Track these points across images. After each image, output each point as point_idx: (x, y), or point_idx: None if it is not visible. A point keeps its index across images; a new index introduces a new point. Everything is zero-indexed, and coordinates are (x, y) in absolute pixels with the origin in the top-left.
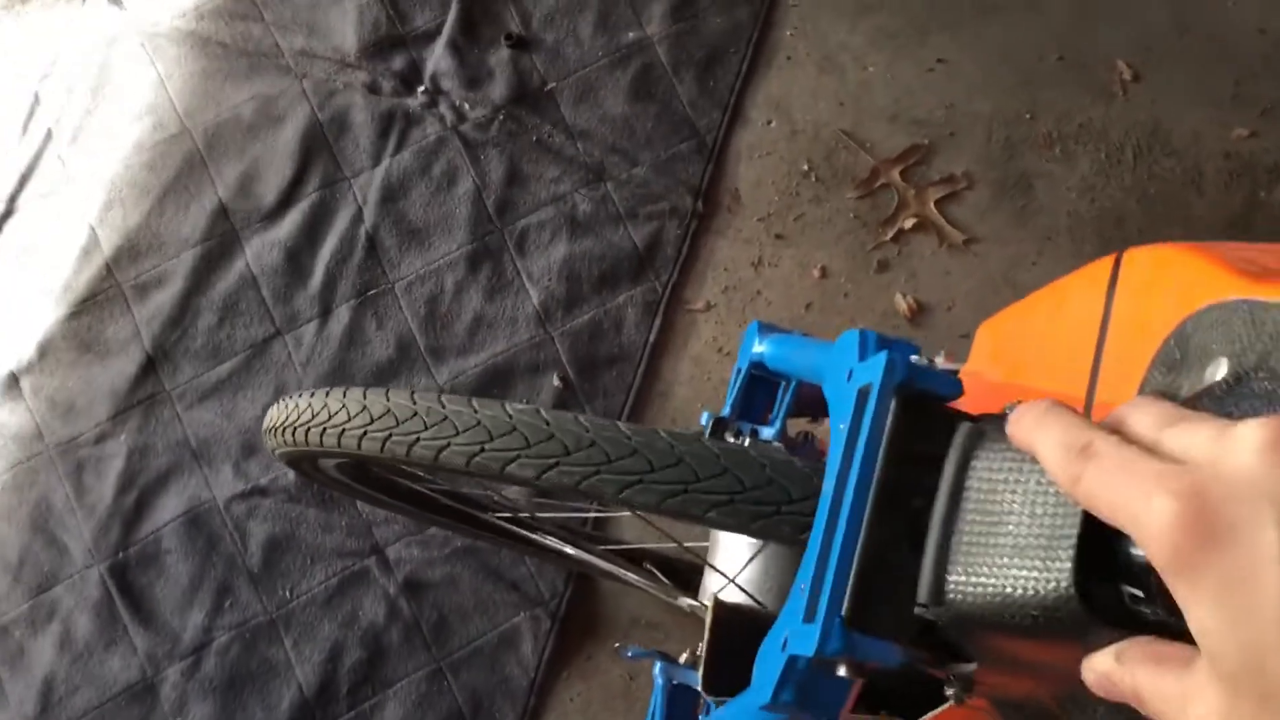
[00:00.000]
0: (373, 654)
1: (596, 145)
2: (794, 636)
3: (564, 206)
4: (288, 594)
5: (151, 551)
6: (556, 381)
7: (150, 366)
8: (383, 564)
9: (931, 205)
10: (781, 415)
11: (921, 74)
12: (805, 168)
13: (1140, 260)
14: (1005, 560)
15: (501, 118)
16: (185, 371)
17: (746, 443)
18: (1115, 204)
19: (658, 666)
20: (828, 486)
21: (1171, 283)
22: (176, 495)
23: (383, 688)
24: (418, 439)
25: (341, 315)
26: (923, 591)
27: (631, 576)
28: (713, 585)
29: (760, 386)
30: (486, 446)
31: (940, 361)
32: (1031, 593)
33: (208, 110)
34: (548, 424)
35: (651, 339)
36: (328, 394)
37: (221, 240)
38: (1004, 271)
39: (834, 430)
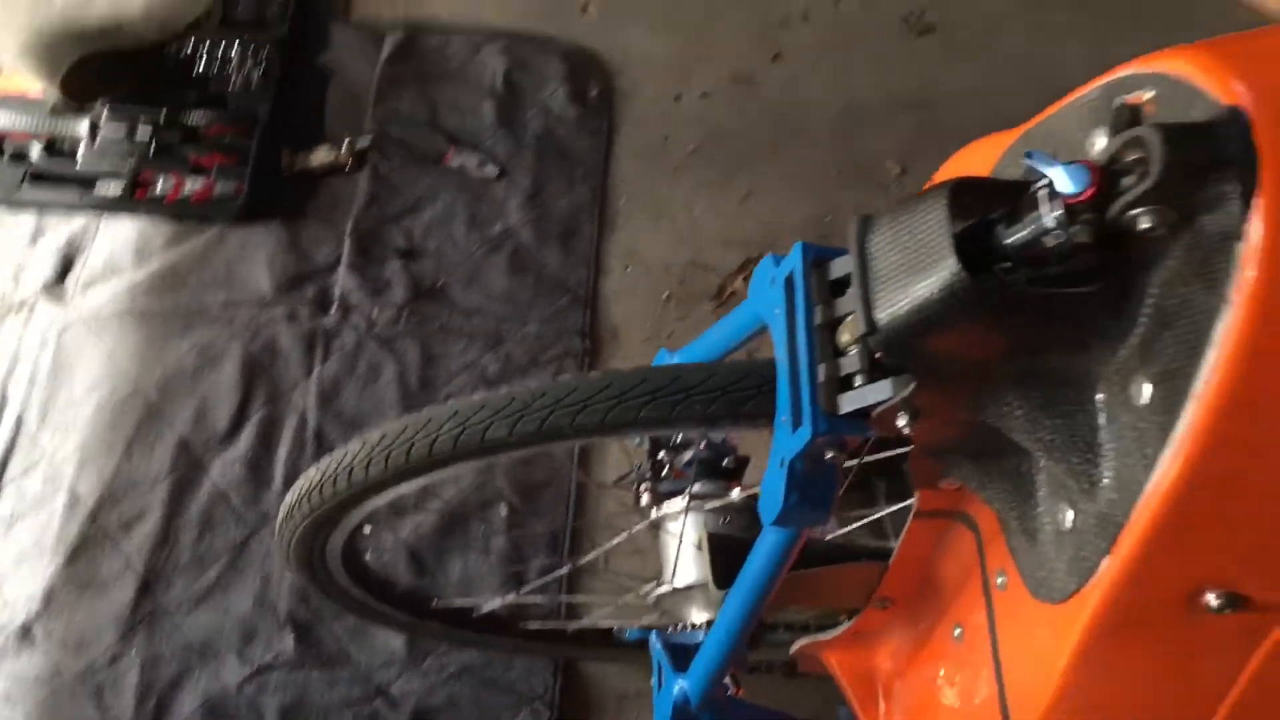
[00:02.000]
0: None
1: (490, 317)
2: (788, 445)
3: (476, 371)
4: None
5: None
6: (504, 510)
7: (146, 588)
8: (389, 703)
9: None
10: None
11: (737, 205)
12: (665, 295)
13: (949, 167)
14: (910, 278)
15: (406, 314)
16: (178, 585)
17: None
18: None
19: (654, 636)
20: (779, 341)
21: (973, 163)
22: (191, 692)
23: None
24: (413, 442)
25: None
26: (861, 325)
27: (604, 608)
28: (672, 572)
29: None
30: (466, 426)
31: None
32: (934, 288)
33: (155, 368)
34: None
35: (575, 452)
36: (344, 445)
37: (188, 468)
38: None
39: (771, 321)
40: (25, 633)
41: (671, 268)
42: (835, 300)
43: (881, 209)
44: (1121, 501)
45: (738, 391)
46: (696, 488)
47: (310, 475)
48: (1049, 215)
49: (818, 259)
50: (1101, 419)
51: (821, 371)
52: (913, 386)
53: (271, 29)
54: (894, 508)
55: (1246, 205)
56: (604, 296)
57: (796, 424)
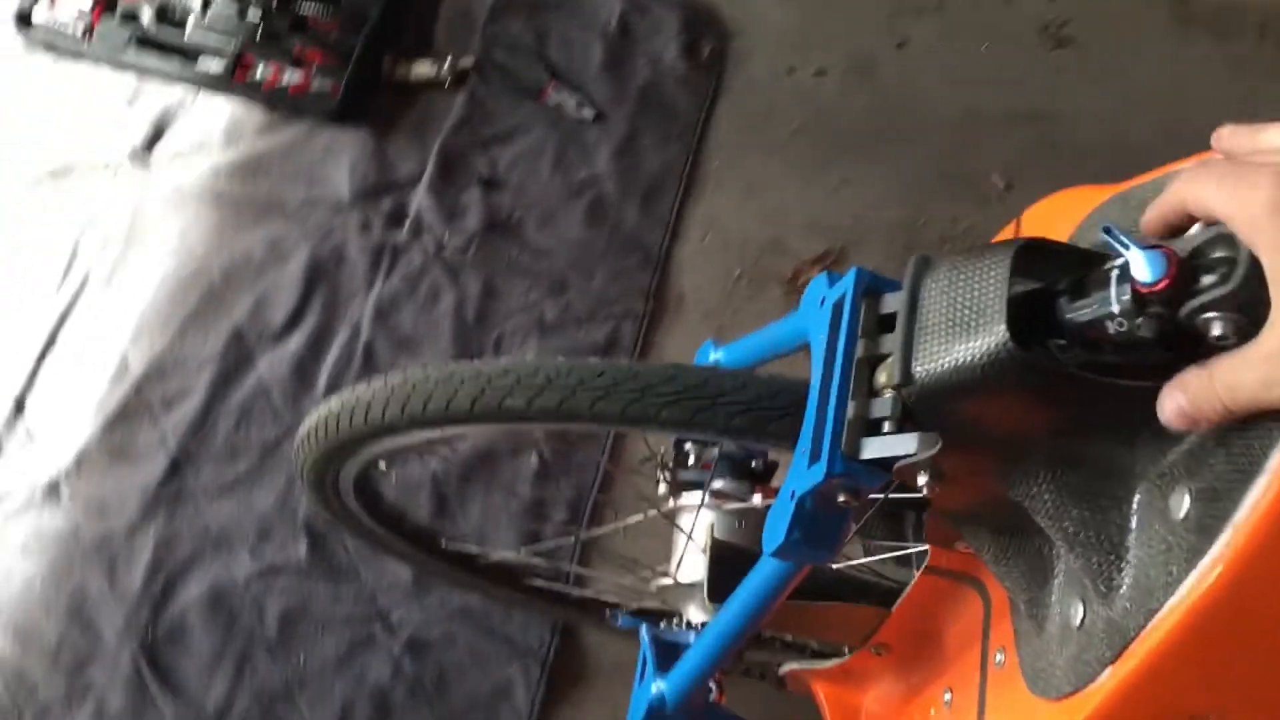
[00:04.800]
0: (380, 711)
1: (559, 262)
2: (800, 479)
3: (534, 314)
4: (301, 660)
5: (177, 629)
6: (534, 460)
7: (175, 468)
8: (387, 627)
9: None
10: None
11: (829, 193)
12: (738, 272)
13: (1036, 212)
14: (955, 337)
15: (477, 244)
16: (207, 471)
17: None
18: None
19: (643, 629)
20: (817, 366)
21: (1061, 214)
22: (199, 579)
23: None
24: (432, 393)
25: None
26: (896, 375)
27: (608, 593)
28: (677, 565)
29: None
30: (486, 389)
31: None
32: (978, 353)
33: (223, 252)
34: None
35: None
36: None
37: (237, 358)
38: None
39: (814, 343)
40: (53, 489)
41: (750, 245)
42: (881, 336)
43: (973, 225)
44: (1135, 615)
45: (766, 409)
46: (717, 484)
47: (330, 404)
48: (1116, 299)
49: (872, 288)
50: (1133, 522)
51: (851, 409)
52: (939, 447)
53: None
54: (917, 548)
55: None
56: (676, 262)
57: (814, 459)
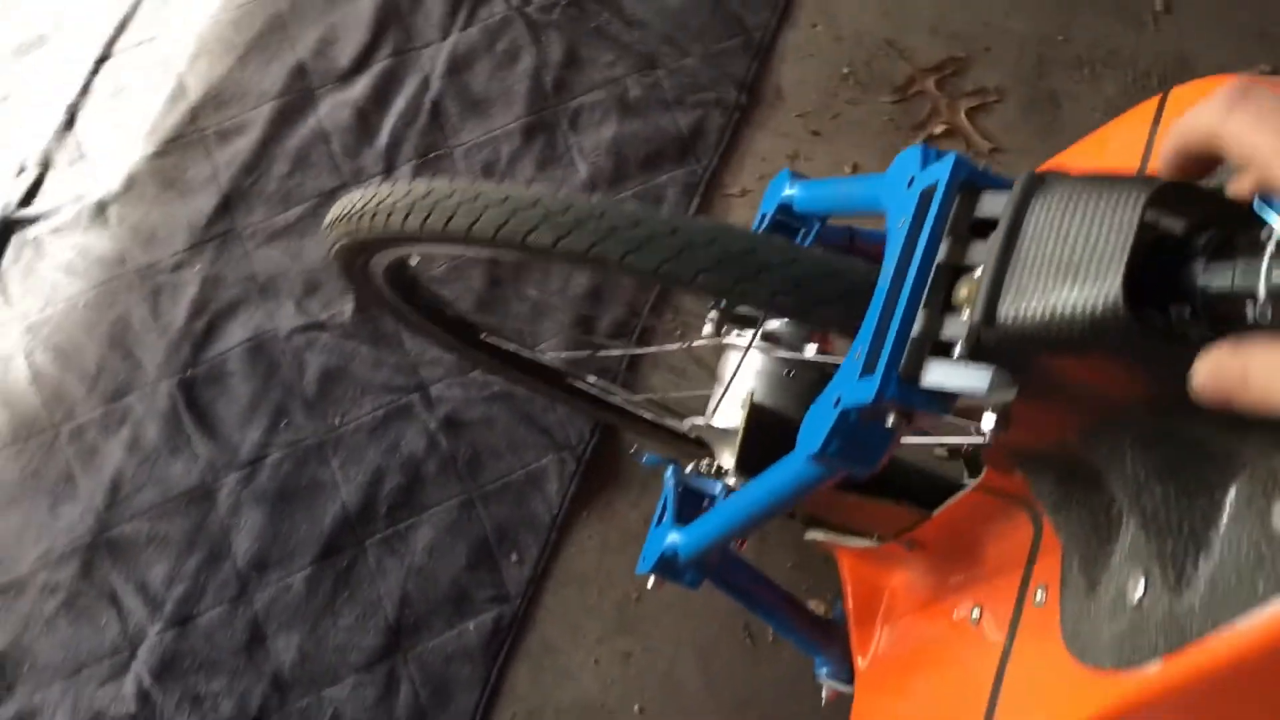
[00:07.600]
0: (411, 481)
1: (651, 35)
2: (850, 390)
3: (616, 89)
4: (337, 421)
5: (217, 372)
6: None
7: (226, 206)
8: (425, 401)
9: (962, 114)
10: None
11: None
12: (846, 70)
13: (1186, 95)
14: (1057, 281)
15: (564, 3)
16: (257, 213)
17: None
18: None
19: (670, 469)
20: (890, 257)
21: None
22: (243, 324)
23: (418, 511)
24: (455, 212)
25: (404, 173)
26: (978, 309)
27: (645, 411)
28: (714, 408)
29: (781, 231)
30: (511, 219)
31: None
32: (1081, 308)
33: None
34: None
35: (690, 215)
36: (382, 183)
37: (299, 96)
38: None
39: (892, 228)
40: (101, 210)
41: (864, 40)
42: (972, 243)
43: (1119, 49)
44: (1201, 617)
45: (814, 291)
46: (771, 325)
47: (353, 200)
48: (1265, 279)
49: (970, 183)
50: (1224, 514)
51: (920, 321)
52: (1013, 394)
53: None
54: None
55: None
56: (779, 51)
57: (867, 370)
